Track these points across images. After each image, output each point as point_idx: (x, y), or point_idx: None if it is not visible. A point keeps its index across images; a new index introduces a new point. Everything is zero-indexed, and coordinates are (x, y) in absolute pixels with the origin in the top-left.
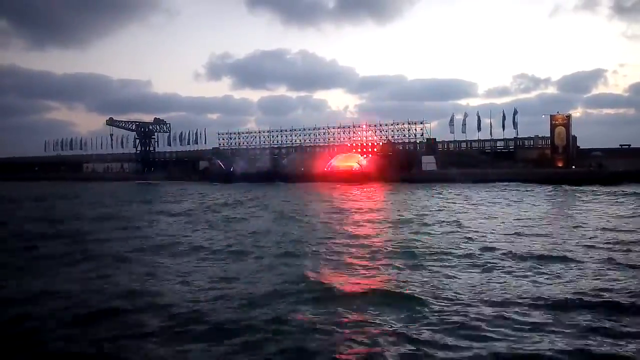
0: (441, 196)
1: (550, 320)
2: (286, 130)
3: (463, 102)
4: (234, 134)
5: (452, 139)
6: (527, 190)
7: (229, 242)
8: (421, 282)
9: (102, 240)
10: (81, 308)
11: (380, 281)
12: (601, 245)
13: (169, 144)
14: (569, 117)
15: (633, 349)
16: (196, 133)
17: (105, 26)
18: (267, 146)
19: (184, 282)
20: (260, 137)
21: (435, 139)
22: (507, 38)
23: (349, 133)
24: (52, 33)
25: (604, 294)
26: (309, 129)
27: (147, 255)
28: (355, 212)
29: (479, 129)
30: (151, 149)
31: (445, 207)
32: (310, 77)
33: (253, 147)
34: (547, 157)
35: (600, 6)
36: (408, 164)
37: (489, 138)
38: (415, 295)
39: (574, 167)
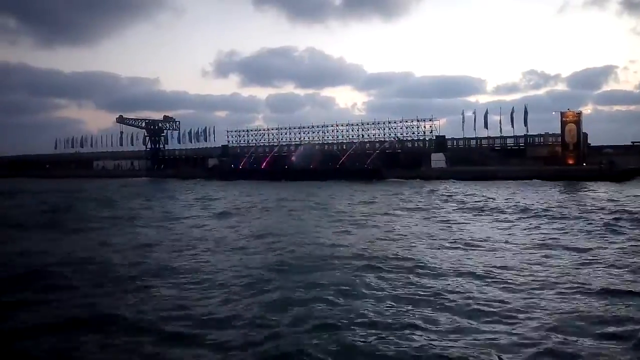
0: None
1: None
2: (294, 128)
3: (472, 99)
4: (243, 131)
5: (462, 136)
6: None
7: None
8: None
9: None
10: None
11: None
12: None
13: (179, 142)
14: (579, 114)
15: None
16: (205, 130)
17: (113, 24)
18: (275, 144)
19: None
20: (268, 135)
21: (444, 136)
22: (515, 34)
23: (358, 130)
24: (60, 31)
25: None
26: (318, 127)
27: None
28: None
29: (485, 126)
30: (161, 146)
31: None
32: (317, 75)
33: (261, 144)
34: (557, 155)
35: (609, 2)
36: (418, 162)
37: (499, 135)
38: None
39: (585, 164)
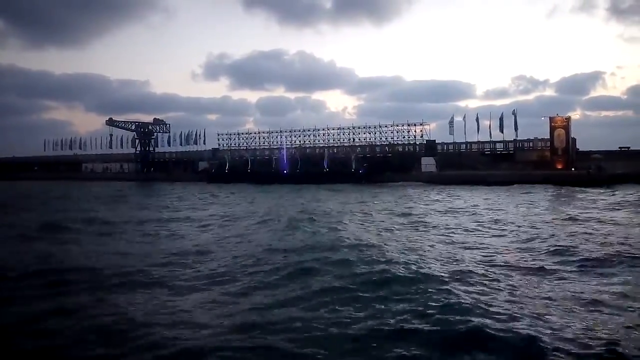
0: None
1: None
2: (285, 131)
3: (462, 103)
4: (234, 134)
5: (452, 141)
6: None
7: None
8: None
9: None
10: None
11: None
12: None
13: (169, 145)
14: (568, 119)
15: None
16: (195, 133)
17: (103, 26)
18: (266, 147)
19: None
20: (259, 138)
21: (434, 140)
22: (504, 39)
23: (349, 134)
24: (49, 33)
25: None
26: (309, 130)
27: None
28: None
29: (477, 130)
30: (151, 149)
31: None
32: (308, 78)
33: (252, 147)
34: (546, 159)
35: (596, 8)
36: (408, 165)
37: (489, 140)
38: None
39: (573, 169)
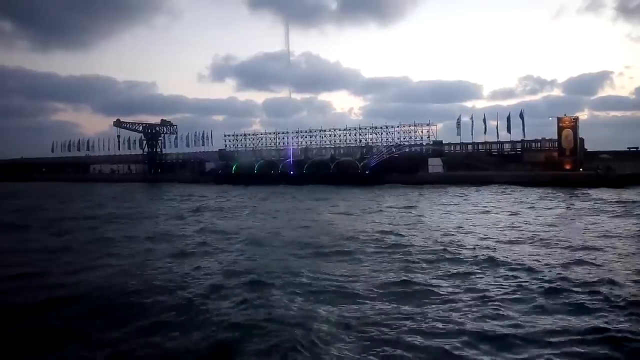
0: None
1: None
2: (292, 132)
3: (469, 104)
4: (240, 135)
5: (459, 141)
6: None
7: None
8: None
9: None
10: None
11: None
12: None
13: (176, 146)
14: (576, 119)
15: None
16: (203, 134)
17: (110, 28)
18: (273, 148)
19: None
20: (266, 139)
21: (442, 141)
22: (511, 39)
23: (356, 135)
24: (56, 35)
25: None
26: (315, 131)
27: None
28: None
29: (484, 131)
30: (158, 150)
31: None
32: (314, 79)
33: (259, 148)
34: (554, 160)
35: (604, 8)
36: (415, 166)
37: (496, 140)
38: None
39: (581, 169)
